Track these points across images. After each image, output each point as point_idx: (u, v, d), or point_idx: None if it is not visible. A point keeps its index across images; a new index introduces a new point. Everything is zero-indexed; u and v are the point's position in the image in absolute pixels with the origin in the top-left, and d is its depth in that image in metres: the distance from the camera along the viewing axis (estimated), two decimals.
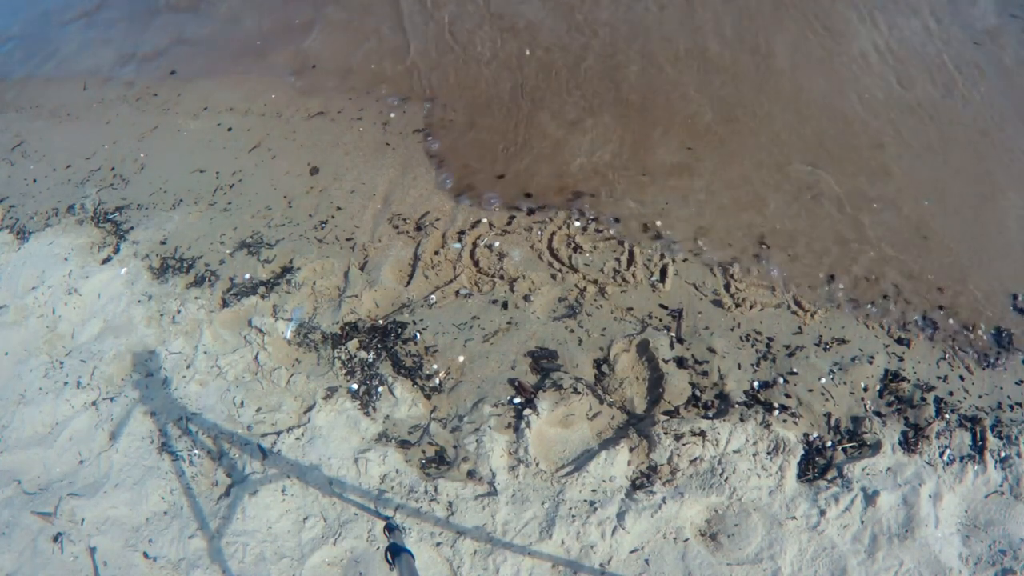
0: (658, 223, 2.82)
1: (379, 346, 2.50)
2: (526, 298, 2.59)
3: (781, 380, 2.30)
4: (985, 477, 2.06)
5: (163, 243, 3.07)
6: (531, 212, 2.92)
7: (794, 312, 2.51)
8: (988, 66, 3.40)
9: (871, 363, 2.33)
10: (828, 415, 2.21)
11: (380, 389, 2.38)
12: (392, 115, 3.50)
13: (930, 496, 2.01)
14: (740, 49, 3.56)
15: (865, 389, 2.28)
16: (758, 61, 3.50)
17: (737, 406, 2.22)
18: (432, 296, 2.63)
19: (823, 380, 2.29)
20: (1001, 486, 2.06)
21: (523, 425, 2.19)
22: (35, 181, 3.69)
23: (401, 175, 3.16)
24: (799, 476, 2.08)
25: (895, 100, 3.29)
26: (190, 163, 3.49)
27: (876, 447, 2.12)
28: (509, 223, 2.88)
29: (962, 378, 2.32)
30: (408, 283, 2.71)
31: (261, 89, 3.85)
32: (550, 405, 2.24)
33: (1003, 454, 2.12)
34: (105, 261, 3.03)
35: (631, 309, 2.54)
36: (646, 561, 1.94)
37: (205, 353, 2.57)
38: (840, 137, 3.14)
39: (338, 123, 3.52)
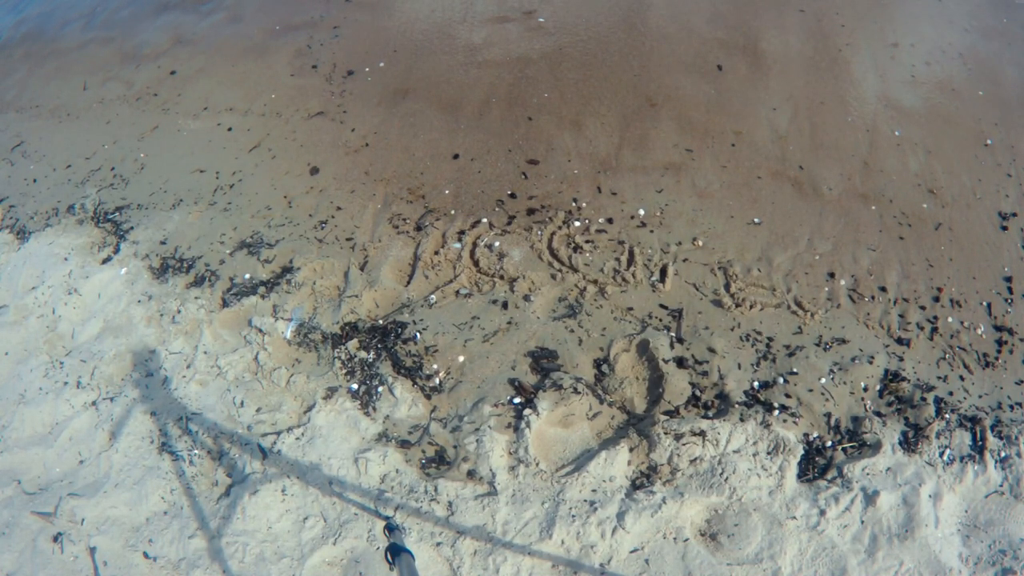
0: None
1: (379, 346, 2.50)
2: (526, 298, 2.59)
3: (781, 380, 2.30)
4: (985, 477, 2.06)
5: (163, 243, 3.07)
6: (531, 212, 2.92)
7: (794, 312, 2.51)
8: None
9: (871, 363, 2.33)
10: (828, 415, 2.21)
11: (380, 389, 2.38)
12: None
13: (930, 496, 2.01)
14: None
15: (865, 389, 2.28)
16: None
17: (737, 406, 2.22)
18: (432, 296, 2.63)
19: (823, 380, 2.29)
20: (1001, 486, 2.06)
21: (523, 425, 2.19)
22: (35, 181, 3.70)
23: None
24: (799, 476, 2.08)
25: None
26: (190, 163, 3.49)
27: (876, 447, 2.12)
28: (509, 223, 2.88)
29: (962, 378, 2.32)
30: (408, 283, 2.71)
31: (261, 89, 3.85)
32: (550, 405, 2.24)
33: (1003, 454, 2.12)
34: (105, 261, 3.03)
35: (631, 309, 2.54)
36: (646, 561, 1.94)
37: (205, 353, 2.57)
38: None
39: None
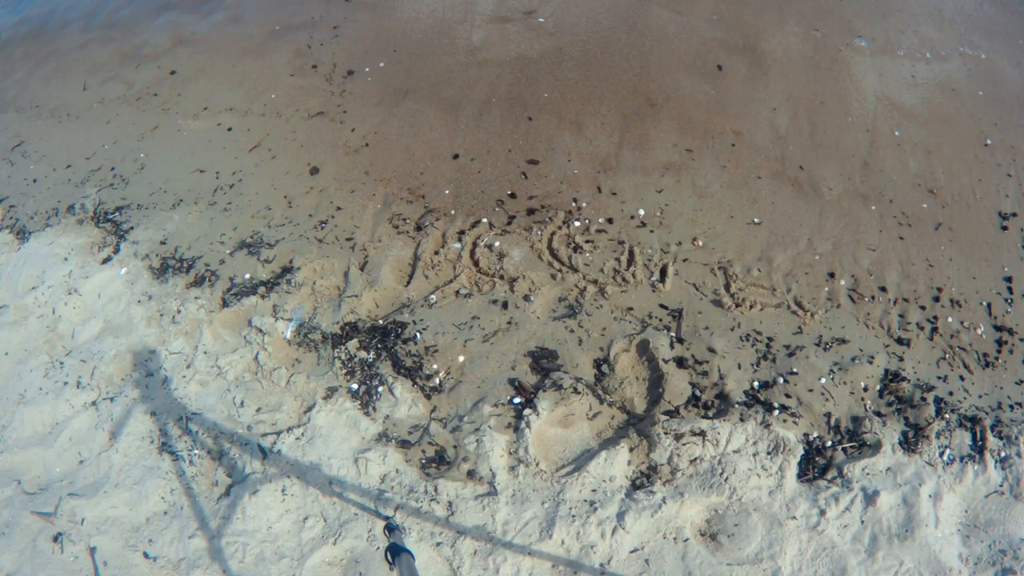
0: None
1: (379, 346, 2.50)
2: (526, 298, 2.59)
3: (781, 380, 2.30)
4: (985, 477, 2.06)
5: (163, 243, 3.07)
6: (531, 212, 2.92)
7: (794, 312, 2.51)
8: None
9: (871, 363, 2.33)
10: (828, 415, 2.21)
11: (380, 389, 2.38)
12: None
13: (930, 496, 2.01)
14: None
15: (865, 389, 2.28)
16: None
17: (737, 406, 2.22)
18: (432, 296, 2.63)
19: (823, 380, 2.29)
20: (1001, 486, 2.06)
21: (523, 425, 2.19)
22: (35, 181, 3.70)
23: None
24: (799, 476, 2.08)
25: None
26: (190, 163, 3.49)
27: (876, 447, 2.12)
28: (509, 223, 2.88)
29: (962, 378, 2.32)
30: (408, 283, 2.71)
31: (261, 89, 3.85)
32: (550, 405, 2.24)
33: (1003, 454, 2.12)
34: (105, 261, 3.03)
35: (631, 309, 2.54)
36: (646, 561, 1.94)
37: (205, 353, 2.57)
38: None
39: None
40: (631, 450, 2.14)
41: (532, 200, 2.97)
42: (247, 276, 2.83)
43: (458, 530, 2.00)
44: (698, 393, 2.28)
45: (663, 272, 2.64)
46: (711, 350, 2.38)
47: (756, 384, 2.30)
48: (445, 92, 3.56)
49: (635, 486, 2.07)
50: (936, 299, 2.54)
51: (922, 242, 2.74)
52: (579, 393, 2.26)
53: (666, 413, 2.21)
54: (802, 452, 2.12)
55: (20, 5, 5.77)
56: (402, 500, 2.08)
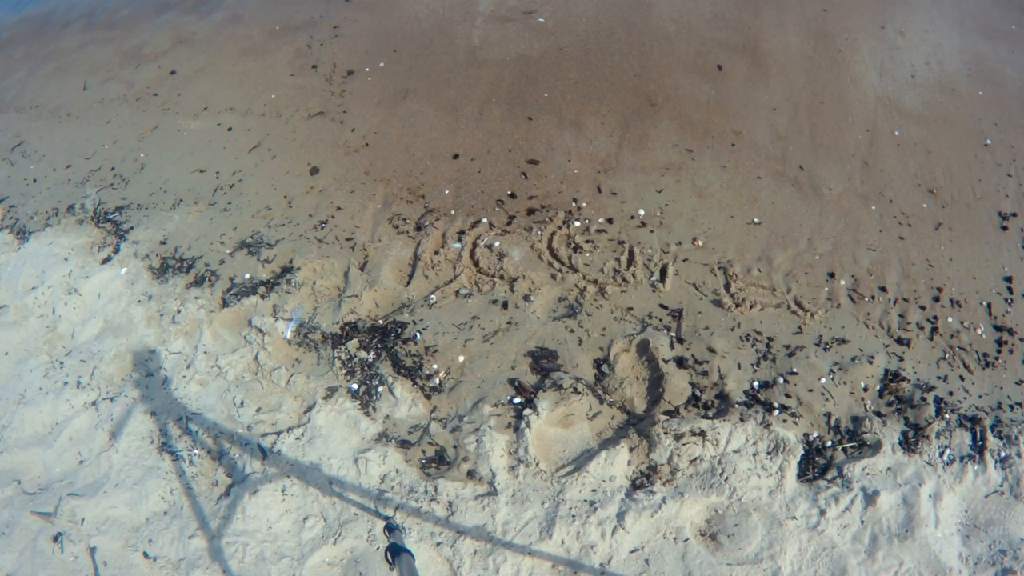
0: None
1: (379, 346, 2.50)
2: (526, 298, 2.59)
3: (781, 380, 2.30)
4: (985, 477, 2.06)
5: (163, 243, 3.07)
6: (531, 212, 2.92)
7: (794, 312, 2.51)
8: None
9: (871, 363, 2.33)
10: (828, 415, 2.21)
11: (380, 389, 2.38)
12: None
13: (930, 496, 2.01)
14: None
15: (865, 389, 2.28)
16: None
17: (737, 406, 2.22)
18: (432, 296, 2.63)
19: (823, 380, 2.29)
20: (1001, 486, 2.06)
21: (523, 425, 2.19)
22: (35, 181, 3.70)
23: None
24: (799, 476, 2.08)
25: None
26: (190, 163, 3.49)
27: (876, 447, 2.12)
28: (509, 223, 2.88)
29: (962, 378, 2.32)
30: (408, 283, 2.71)
31: (261, 89, 3.85)
32: (550, 405, 2.24)
33: (1003, 454, 2.12)
34: (105, 261, 3.03)
35: (631, 309, 2.54)
36: (646, 561, 1.94)
37: (205, 353, 2.57)
38: None
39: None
40: (631, 450, 2.14)
41: (532, 200, 2.97)
42: (247, 276, 2.83)
43: (458, 530, 2.00)
44: (698, 393, 2.28)
45: (663, 272, 2.64)
46: (711, 350, 2.38)
47: (756, 384, 2.30)
48: (445, 92, 3.56)
49: (635, 486, 2.07)
50: (936, 299, 2.54)
51: (922, 242, 2.74)
52: (579, 393, 2.26)
53: (666, 413, 2.21)
54: (802, 452, 2.12)
55: (20, 5, 5.77)
56: (402, 500, 2.08)
